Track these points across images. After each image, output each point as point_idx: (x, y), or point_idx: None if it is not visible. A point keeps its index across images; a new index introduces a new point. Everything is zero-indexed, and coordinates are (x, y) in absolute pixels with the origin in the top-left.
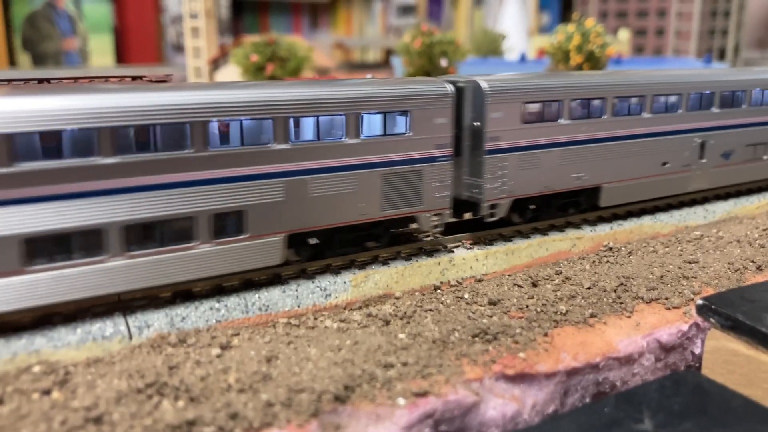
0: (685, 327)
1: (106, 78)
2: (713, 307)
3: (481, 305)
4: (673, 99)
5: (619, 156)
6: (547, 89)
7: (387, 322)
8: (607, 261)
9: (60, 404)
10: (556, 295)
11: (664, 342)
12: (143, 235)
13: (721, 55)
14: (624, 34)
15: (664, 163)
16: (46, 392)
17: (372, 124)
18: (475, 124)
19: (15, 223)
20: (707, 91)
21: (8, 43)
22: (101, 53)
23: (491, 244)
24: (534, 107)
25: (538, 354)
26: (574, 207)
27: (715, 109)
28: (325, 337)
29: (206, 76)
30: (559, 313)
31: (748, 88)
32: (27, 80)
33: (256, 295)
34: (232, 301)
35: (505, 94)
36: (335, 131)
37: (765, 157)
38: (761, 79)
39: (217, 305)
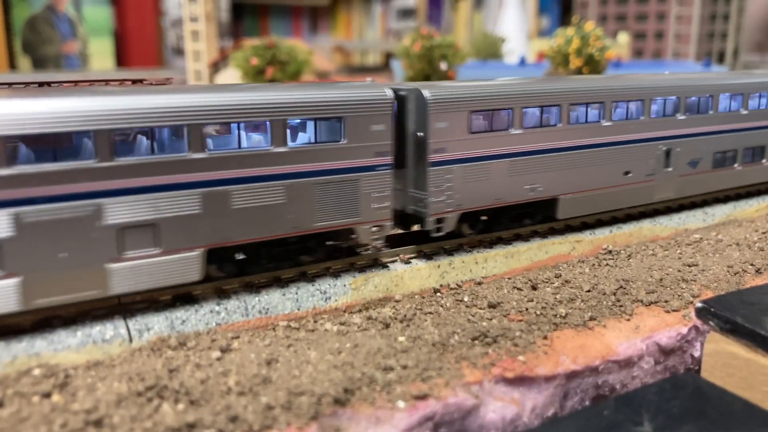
0: (684, 330)
1: (107, 81)
2: (712, 310)
3: (480, 308)
4: None
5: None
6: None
7: (387, 325)
8: (607, 264)
9: (60, 407)
10: (555, 298)
11: (663, 345)
12: None
13: (721, 59)
14: (623, 38)
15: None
16: (47, 395)
17: None
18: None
19: None
20: None
21: (8, 47)
22: (101, 56)
23: (491, 248)
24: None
25: (538, 357)
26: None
27: None
28: (325, 340)
29: (206, 79)
30: (558, 316)
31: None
32: (27, 83)
33: (256, 298)
34: (232, 303)
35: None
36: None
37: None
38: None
39: (217, 308)
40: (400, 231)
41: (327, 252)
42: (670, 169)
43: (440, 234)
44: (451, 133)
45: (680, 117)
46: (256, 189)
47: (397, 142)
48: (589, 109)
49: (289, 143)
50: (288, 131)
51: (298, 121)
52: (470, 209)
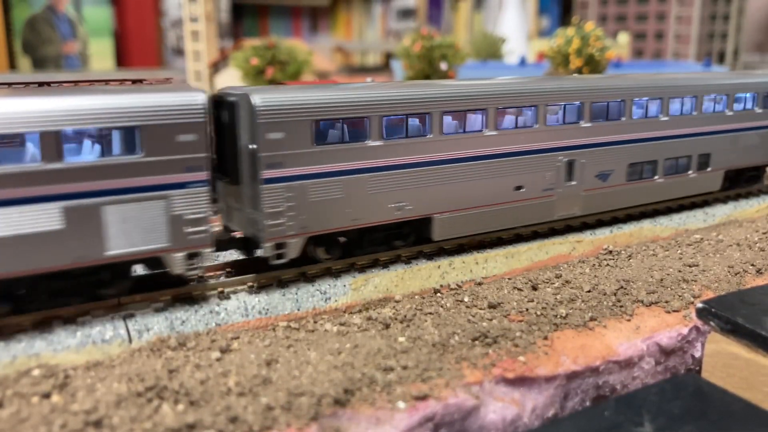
0: (685, 330)
1: (107, 81)
2: (713, 310)
3: (480, 308)
4: None
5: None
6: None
7: (387, 326)
8: (607, 264)
9: (60, 408)
10: (555, 298)
11: (664, 345)
12: None
13: (721, 59)
14: (623, 38)
15: None
16: (46, 396)
17: None
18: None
19: None
20: None
21: (8, 47)
22: (101, 57)
23: (491, 248)
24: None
25: (538, 357)
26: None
27: None
28: (325, 341)
29: (206, 80)
30: (559, 316)
31: None
32: (27, 84)
33: (256, 299)
34: (232, 304)
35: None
36: None
37: None
38: None
39: (216, 308)
40: (241, 257)
41: (135, 283)
42: (573, 183)
43: (282, 261)
44: (290, 145)
45: (584, 124)
46: (21, 213)
47: (231, 155)
48: (467, 117)
49: (68, 158)
50: (67, 144)
51: (77, 131)
52: (320, 232)
